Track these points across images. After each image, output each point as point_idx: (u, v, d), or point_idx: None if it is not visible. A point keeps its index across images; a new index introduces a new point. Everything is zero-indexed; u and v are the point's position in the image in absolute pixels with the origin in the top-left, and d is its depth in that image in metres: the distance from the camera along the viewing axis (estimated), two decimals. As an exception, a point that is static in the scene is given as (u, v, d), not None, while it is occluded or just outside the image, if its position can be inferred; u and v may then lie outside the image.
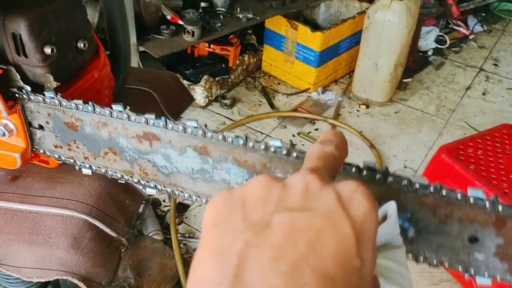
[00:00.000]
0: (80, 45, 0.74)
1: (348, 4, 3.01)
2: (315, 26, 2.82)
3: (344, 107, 2.76)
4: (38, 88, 0.69)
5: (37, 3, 0.68)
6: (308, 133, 2.53)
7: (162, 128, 0.58)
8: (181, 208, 2.04)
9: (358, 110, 2.74)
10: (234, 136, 0.53)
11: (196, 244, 1.89)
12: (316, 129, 2.56)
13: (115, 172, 0.67)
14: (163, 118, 0.58)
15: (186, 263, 1.78)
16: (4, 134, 0.69)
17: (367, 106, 2.75)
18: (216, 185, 0.57)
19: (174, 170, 0.60)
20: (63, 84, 0.73)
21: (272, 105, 2.72)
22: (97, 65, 0.79)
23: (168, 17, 2.16)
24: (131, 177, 0.66)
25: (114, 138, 0.63)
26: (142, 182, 0.65)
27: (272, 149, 0.50)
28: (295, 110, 2.69)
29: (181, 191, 0.62)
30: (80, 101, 0.63)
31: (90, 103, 0.63)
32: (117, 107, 0.60)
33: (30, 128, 0.71)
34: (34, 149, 0.74)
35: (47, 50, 0.67)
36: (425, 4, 2.87)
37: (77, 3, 0.74)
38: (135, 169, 0.65)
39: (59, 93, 0.66)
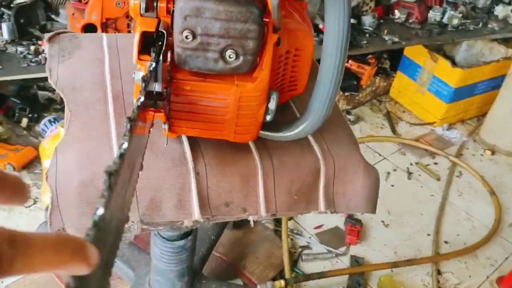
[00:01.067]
0: (226, 54, 0.70)
1: (492, 48, 2.94)
2: (452, 63, 2.79)
3: (467, 149, 2.69)
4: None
5: None
6: (427, 165, 2.50)
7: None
8: (293, 206, 2.12)
9: (482, 155, 2.66)
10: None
11: (302, 242, 1.96)
12: (436, 163, 2.53)
13: None
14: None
15: (292, 257, 1.86)
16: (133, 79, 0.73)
17: (493, 153, 2.66)
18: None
19: None
20: (200, 76, 0.74)
21: (394, 130, 2.73)
22: (243, 85, 0.74)
23: (320, 26, 2.27)
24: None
25: None
26: None
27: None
28: (417, 140, 2.67)
29: None
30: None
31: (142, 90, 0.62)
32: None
33: None
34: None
35: (184, 34, 0.69)
36: None
37: (251, 21, 0.68)
38: None
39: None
